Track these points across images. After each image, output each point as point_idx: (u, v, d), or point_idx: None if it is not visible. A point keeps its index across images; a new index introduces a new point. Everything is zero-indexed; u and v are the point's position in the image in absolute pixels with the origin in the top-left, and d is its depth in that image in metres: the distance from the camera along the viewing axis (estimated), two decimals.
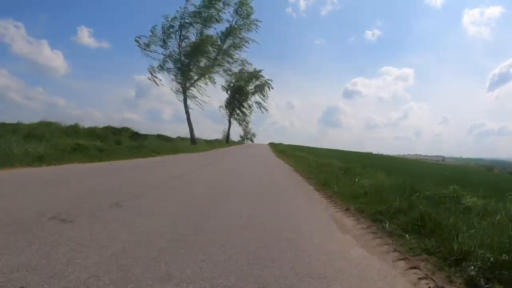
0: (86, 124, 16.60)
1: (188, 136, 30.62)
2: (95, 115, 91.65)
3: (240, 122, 51.58)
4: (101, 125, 17.33)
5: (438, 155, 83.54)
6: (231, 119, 49.80)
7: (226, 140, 49.39)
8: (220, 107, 49.69)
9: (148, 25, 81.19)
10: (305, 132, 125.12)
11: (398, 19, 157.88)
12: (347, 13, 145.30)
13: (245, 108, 49.84)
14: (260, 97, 48.22)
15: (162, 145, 18.91)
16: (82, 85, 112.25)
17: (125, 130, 17.90)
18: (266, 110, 49.67)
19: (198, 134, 33.23)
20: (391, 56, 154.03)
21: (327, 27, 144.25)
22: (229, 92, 48.88)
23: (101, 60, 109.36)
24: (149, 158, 13.31)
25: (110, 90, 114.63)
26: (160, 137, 24.79)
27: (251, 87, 48.18)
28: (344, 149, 43.78)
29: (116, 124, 18.45)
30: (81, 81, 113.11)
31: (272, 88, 47.55)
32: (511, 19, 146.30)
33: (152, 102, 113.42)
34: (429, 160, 55.40)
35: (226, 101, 49.45)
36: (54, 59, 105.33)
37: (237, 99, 48.89)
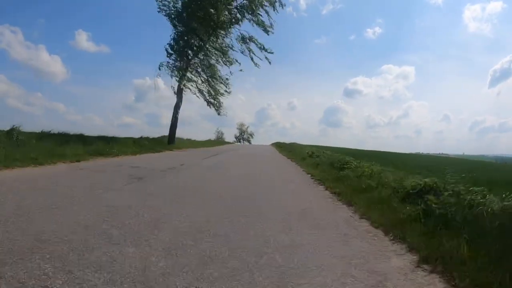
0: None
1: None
2: (95, 120, 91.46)
3: (212, 99, 21.22)
4: None
5: (441, 153, 76.12)
6: (182, 84, 19.24)
7: (169, 139, 19.73)
8: (161, 65, 18.65)
9: (147, 28, 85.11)
10: (307, 132, 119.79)
11: (399, 16, 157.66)
12: (348, 11, 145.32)
13: (215, 56, 20.55)
14: (254, 23, 19.18)
15: None
16: (81, 90, 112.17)
17: None
18: (269, 61, 19.81)
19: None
20: (391, 54, 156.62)
21: (328, 26, 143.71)
22: (177, 25, 19.98)
23: (100, 64, 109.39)
24: None
25: (109, 95, 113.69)
26: None
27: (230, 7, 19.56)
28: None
29: None
30: (80, 86, 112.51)
31: (283, 5, 19.30)
32: None
33: (151, 106, 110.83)
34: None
35: (169, 48, 19.02)
36: (52, 64, 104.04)
37: (197, 33, 19.69)
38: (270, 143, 44.95)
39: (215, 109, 21.78)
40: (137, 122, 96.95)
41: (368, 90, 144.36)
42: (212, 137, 61.16)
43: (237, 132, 78.55)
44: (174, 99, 19.86)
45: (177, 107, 19.98)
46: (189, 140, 25.84)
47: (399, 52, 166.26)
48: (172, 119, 19.97)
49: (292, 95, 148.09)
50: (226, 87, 21.37)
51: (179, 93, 19.76)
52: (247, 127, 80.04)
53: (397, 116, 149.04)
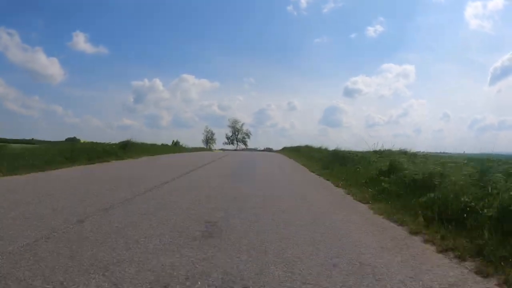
0: None
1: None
2: (93, 122, 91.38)
3: None
4: None
5: (442, 151, 73.42)
6: None
7: None
8: None
9: (145, 29, 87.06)
10: (306, 132, 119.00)
11: (401, 14, 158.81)
12: (349, 9, 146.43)
13: None
14: None
15: None
16: (79, 92, 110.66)
17: None
18: None
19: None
20: (392, 53, 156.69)
21: (328, 25, 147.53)
22: None
23: (98, 66, 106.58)
24: None
25: (107, 97, 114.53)
26: None
27: None
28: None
29: None
30: (78, 88, 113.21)
31: None
32: None
33: (150, 108, 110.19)
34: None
35: None
36: (50, 66, 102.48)
37: None
38: (279, 147, 33.94)
39: None
40: (136, 124, 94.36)
41: (368, 89, 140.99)
42: (202, 137, 52.53)
43: (229, 132, 62.89)
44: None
45: None
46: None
47: (400, 50, 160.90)
48: None
49: (293, 96, 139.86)
50: None
51: None
52: (242, 125, 63.79)
53: (397, 115, 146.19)
